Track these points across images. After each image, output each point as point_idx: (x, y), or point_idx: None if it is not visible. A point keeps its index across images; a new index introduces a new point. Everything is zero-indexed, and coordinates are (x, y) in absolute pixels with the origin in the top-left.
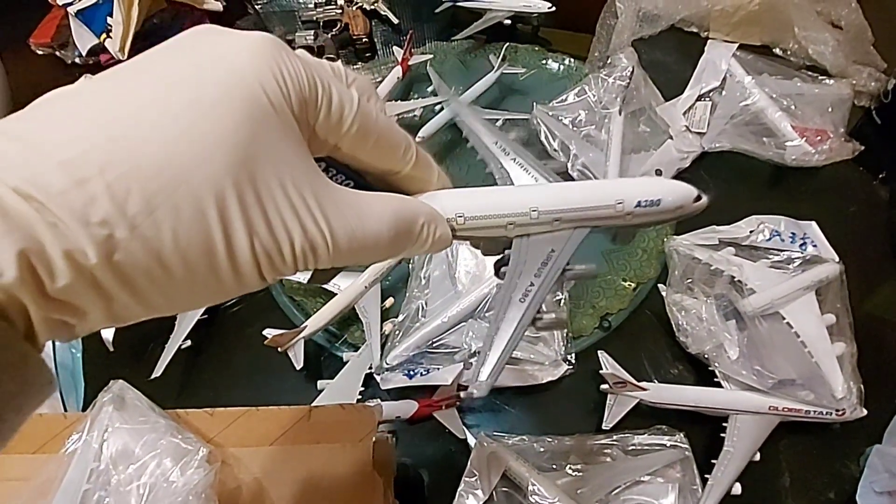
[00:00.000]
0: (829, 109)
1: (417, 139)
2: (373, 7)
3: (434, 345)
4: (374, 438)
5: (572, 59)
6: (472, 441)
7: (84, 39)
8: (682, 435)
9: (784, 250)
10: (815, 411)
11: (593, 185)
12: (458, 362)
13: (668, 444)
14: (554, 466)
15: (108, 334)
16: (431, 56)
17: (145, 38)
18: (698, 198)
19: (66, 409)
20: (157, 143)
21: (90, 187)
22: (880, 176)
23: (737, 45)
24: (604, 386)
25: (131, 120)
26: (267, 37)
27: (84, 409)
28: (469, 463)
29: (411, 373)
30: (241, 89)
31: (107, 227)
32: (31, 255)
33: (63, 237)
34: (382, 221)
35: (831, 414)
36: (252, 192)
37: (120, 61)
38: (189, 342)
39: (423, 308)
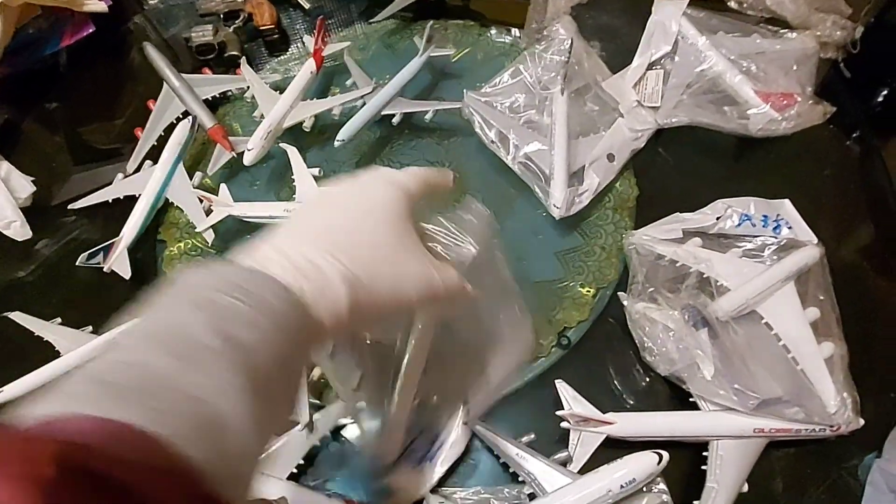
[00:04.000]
0: (794, 67)
1: (337, 142)
2: None
3: None
4: None
5: (512, 30)
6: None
7: None
8: (659, 478)
9: (756, 236)
10: (806, 430)
11: None
12: None
13: (643, 489)
14: None
15: None
16: (349, 43)
17: (22, 51)
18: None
19: None
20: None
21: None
22: (854, 135)
23: (687, 1)
24: (564, 424)
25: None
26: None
27: None
28: None
29: None
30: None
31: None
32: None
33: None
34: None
35: (825, 430)
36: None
37: None
38: None
39: None
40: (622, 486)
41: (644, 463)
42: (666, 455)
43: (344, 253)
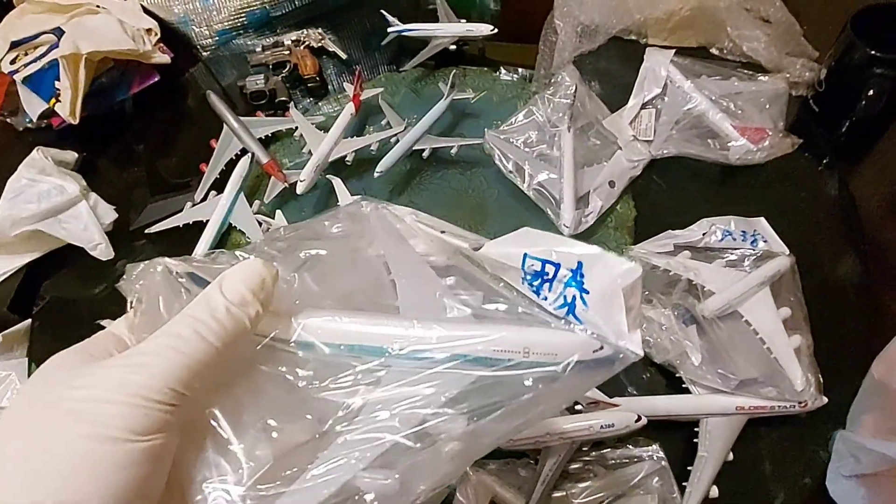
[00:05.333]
0: (767, 106)
1: (376, 174)
2: (320, 44)
3: None
4: None
5: (522, 70)
6: None
7: (33, 105)
8: (657, 445)
9: (737, 249)
10: (779, 406)
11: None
12: None
13: (644, 456)
14: None
15: None
16: (382, 89)
17: (95, 98)
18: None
19: None
20: None
21: None
22: (824, 161)
23: (674, 50)
24: (577, 406)
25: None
26: None
27: None
28: (456, 493)
29: None
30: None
31: None
32: None
33: None
34: None
35: (794, 406)
36: None
37: (71, 125)
38: None
39: None
40: (602, 427)
41: (625, 416)
42: (644, 419)
43: None
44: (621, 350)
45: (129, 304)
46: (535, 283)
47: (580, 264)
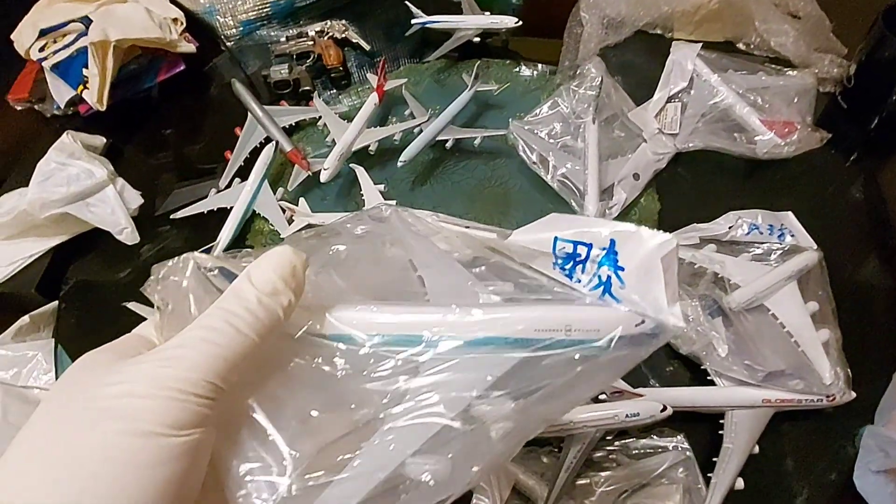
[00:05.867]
0: (795, 100)
1: (399, 163)
2: (344, 35)
3: None
4: None
5: (544, 66)
6: None
7: (61, 92)
8: (682, 436)
9: (763, 243)
10: (806, 399)
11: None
12: None
13: (669, 447)
14: None
15: None
16: (406, 80)
17: (122, 86)
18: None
19: None
20: None
21: None
22: (851, 158)
23: (701, 44)
24: (602, 396)
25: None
26: None
27: None
28: None
29: None
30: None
31: None
32: None
33: None
34: None
35: (822, 400)
36: None
37: (98, 112)
38: None
39: None
40: (627, 416)
41: (650, 406)
42: (670, 409)
43: None
44: (663, 323)
45: (155, 307)
46: (568, 267)
47: (613, 242)
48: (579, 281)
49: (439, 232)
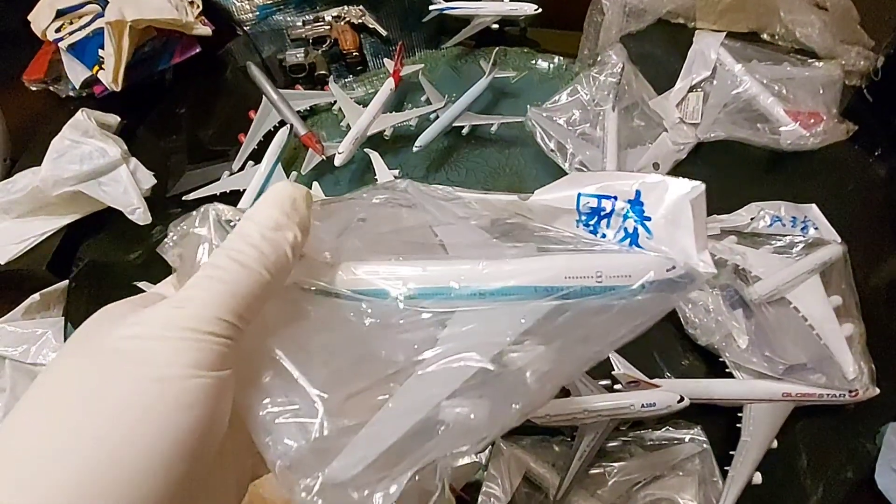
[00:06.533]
0: (821, 91)
1: (415, 148)
2: (360, 21)
3: None
4: None
5: (561, 58)
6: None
7: (76, 73)
8: (699, 428)
9: (786, 235)
10: (828, 394)
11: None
12: None
13: (685, 439)
14: None
15: None
16: (422, 66)
17: (137, 67)
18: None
19: None
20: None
21: None
22: (876, 153)
23: (724, 33)
24: (617, 386)
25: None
26: None
27: None
28: (488, 467)
29: None
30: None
31: None
32: None
33: None
34: None
35: (844, 396)
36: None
37: (114, 92)
38: None
39: None
40: (643, 406)
41: (667, 396)
42: (687, 400)
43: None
44: (693, 269)
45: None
46: (592, 223)
47: (639, 193)
48: (604, 236)
49: (458, 199)
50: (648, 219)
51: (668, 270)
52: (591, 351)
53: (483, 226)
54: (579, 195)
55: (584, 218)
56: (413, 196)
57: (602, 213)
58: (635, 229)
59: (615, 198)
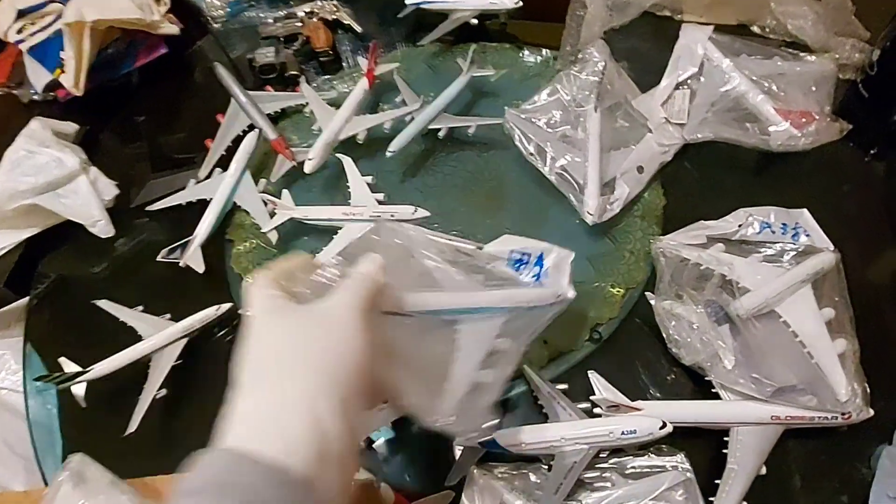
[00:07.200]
0: (813, 88)
1: (388, 153)
2: (335, 17)
3: None
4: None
5: (548, 51)
6: None
7: (38, 76)
8: (682, 455)
9: (776, 242)
10: (819, 417)
11: None
12: None
13: (668, 466)
14: None
15: (79, 390)
16: (398, 64)
17: (101, 70)
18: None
19: (42, 471)
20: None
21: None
22: (872, 152)
23: (712, 27)
24: (596, 409)
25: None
26: None
27: None
28: (461, 497)
29: None
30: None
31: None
32: None
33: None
34: None
35: (836, 418)
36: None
37: (77, 97)
38: (164, 391)
39: None
40: (623, 433)
41: (648, 423)
42: (670, 426)
43: (318, 386)
44: (566, 296)
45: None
46: (516, 266)
47: (541, 254)
48: (522, 274)
49: (432, 242)
50: (545, 268)
51: (557, 296)
52: (528, 332)
53: (449, 259)
54: (511, 251)
55: (512, 263)
56: (412, 238)
57: (522, 262)
58: (538, 273)
59: (529, 254)
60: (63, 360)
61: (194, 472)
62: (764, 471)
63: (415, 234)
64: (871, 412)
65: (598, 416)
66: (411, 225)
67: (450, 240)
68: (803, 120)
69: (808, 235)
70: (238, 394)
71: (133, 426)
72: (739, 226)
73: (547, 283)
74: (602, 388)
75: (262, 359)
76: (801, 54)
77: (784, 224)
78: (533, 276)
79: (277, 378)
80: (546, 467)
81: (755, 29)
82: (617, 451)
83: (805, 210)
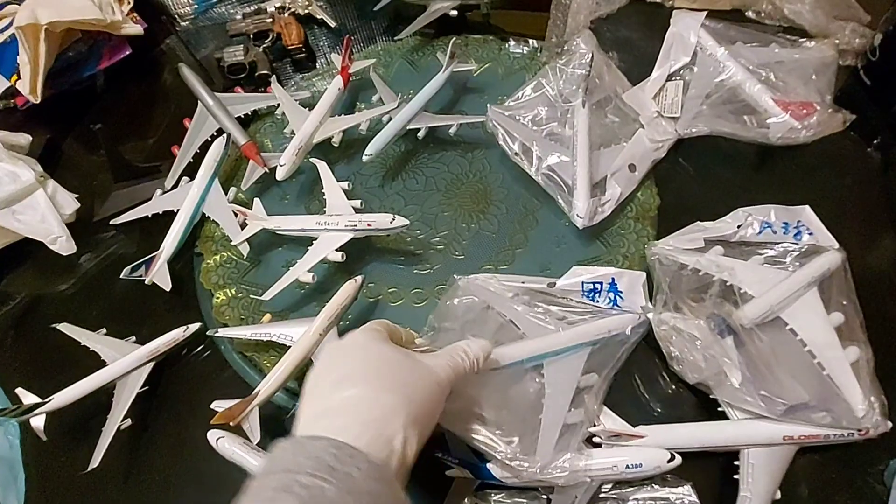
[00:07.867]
0: (813, 76)
1: (365, 157)
2: (307, 12)
3: None
4: None
5: (533, 42)
6: None
7: None
8: (689, 486)
9: (778, 243)
10: (835, 435)
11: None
12: None
13: (672, 499)
14: None
15: (38, 422)
16: (374, 60)
17: (61, 74)
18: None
19: None
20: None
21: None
22: (874, 142)
23: (705, 13)
24: (596, 440)
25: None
26: None
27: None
28: None
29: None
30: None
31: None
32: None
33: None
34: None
35: (853, 434)
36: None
37: (34, 104)
38: (129, 421)
39: None
40: (627, 467)
41: (655, 456)
42: (679, 458)
43: (408, 407)
44: (645, 319)
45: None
46: (591, 295)
47: (613, 279)
48: (598, 302)
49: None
50: (621, 292)
51: (637, 318)
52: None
53: (526, 303)
54: (582, 283)
55: (585, 293)
56: (491, 294)
57: (596, 291)
58: (614, 298)
59: (601, 282)
60: (20, 392)
61: (296, 453)
62: (778, 495)
63: (494, 289)
64: (890, 425)
65: (598, 445)
66: (487, 275)
67: (522, 282)
68: (804, 111)
69: (811, 234)
70: (330, 390)
71: (95, 462)
72: (738, 226)
73: (624, 305)
74: (601, 416)
75: (363, 367)
76: (800, 40)
77: (785, 223)
78: (609, 302)
79: (378, 387)
80: (545, 497)
81: (750, 14)
82: (619, 482)
83: (807, 207)
